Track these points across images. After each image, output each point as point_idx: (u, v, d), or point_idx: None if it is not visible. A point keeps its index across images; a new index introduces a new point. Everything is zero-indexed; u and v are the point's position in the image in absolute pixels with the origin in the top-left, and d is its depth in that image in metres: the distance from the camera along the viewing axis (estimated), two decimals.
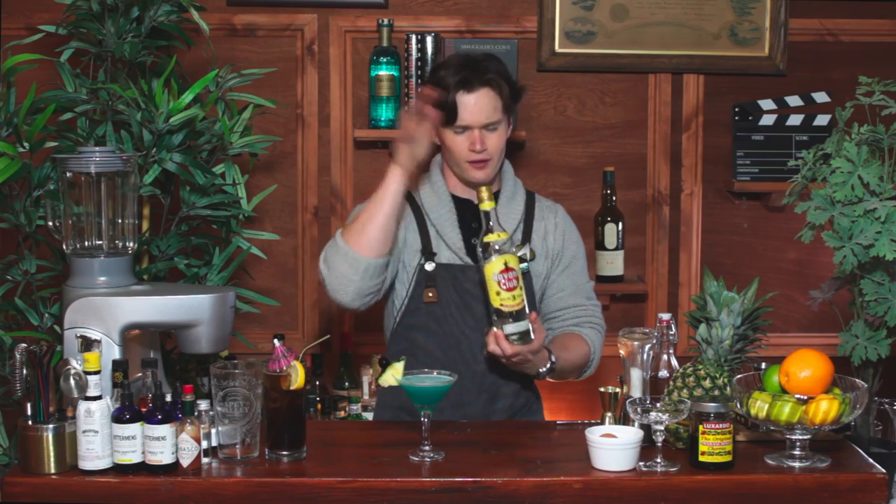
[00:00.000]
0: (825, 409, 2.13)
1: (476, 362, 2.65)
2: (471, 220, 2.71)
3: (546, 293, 2.75)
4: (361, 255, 2.52)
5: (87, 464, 2.11)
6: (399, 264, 2.68)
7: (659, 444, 2.15)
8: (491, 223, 2.45)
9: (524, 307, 2.44)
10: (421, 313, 2.66)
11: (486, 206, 2.45)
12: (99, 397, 2.11)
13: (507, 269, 2.42)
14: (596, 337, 2.72)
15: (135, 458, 2.11)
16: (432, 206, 2.71)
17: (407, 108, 2.49)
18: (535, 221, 2.75)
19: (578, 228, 2.83)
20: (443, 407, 2.59)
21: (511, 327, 2.43)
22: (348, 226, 2.57)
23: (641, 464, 2.14)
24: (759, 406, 2.16)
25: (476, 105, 2.61)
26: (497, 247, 2.43)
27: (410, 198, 2.74)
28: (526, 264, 2.67)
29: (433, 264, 2.66)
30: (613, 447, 2.13)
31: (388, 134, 3.52)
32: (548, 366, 2.55)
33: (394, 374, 2.32)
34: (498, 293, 2.42)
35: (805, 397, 2.14)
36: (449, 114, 2.62)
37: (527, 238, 2.72)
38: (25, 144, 2.69)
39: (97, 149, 2.47)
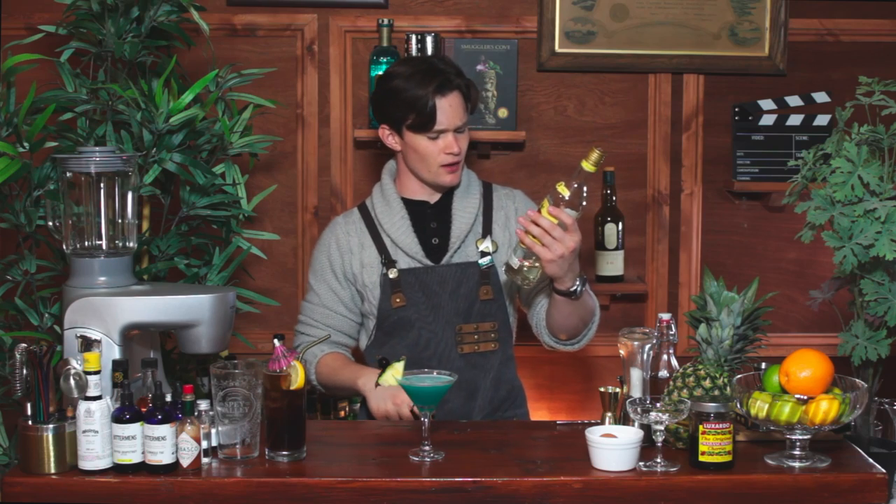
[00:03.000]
0: (825, 409, 2.13)
1: (450, 360, 2.67)
2: (428, 221, 2.74)
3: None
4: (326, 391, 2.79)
5: (87, 464, 2.11)
6: (364, 290, 2.73)
7: (659, 444, 2.15)
8: (573, 178, 2.45)
9: (526, 252, 2.47)
10: (392, 320, 2.69)
11: (589, 167, 2.45)
12: (99, 397, 2.11)
13: (532, 212, 2.45)
14: (592, 299, 2.71)
15: (135, 458, 2.11)
16: (384, 216, 2.74)
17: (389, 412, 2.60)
18: (494, 211, 2.77)
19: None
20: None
21: (512, 258, 2.50)
22: (321, 371, 2.73)
23: (641, 464, 2.14)
24: (759, 406, 2.16)
25: (451, 108, 2.64)
26: (552, 193, 2.45)
27: (364, 209, 2.79)
28: (490, 258, 2.70)
29: (395, 271, 2.69)
30: (613, 447, 2.13)
31: None
32: (578, 280, 2.54)
33: (394, 374, 2.32)
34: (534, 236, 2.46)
35: (805, 397, 2.14)
36: (427, 120, 2.63)
37: (487, 230, 2.74)
38: (25, 144, 2.69)
39: (97, 149, 2.47)
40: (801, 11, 3.67)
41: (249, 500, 2.10)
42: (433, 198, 2.77)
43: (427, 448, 2.22)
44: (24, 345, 2.19)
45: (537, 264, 2.48)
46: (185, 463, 2.12)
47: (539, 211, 2.44)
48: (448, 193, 2.77)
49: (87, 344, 2.24)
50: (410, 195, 2.76)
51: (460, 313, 2.69)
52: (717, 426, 2.12)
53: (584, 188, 2.46)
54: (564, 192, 2.44)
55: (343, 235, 2.76)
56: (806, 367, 2.16)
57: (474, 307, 2.70)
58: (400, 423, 2.52)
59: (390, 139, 2.74)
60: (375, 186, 2.82)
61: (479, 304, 2.70)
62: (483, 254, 2.71)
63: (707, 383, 2.21)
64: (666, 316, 2.34)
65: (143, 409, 2.12)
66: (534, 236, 2.44)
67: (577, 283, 2.55)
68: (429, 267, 2.69)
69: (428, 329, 2.68)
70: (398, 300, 2.68)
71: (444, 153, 2.66)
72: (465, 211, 2.74)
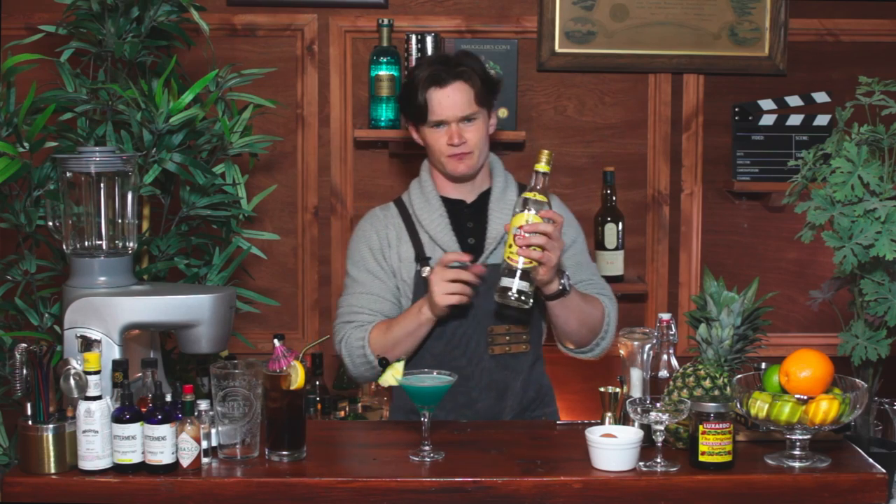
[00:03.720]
0: (825, 409, 2.13)
1: (482, 360, 2.66)
2: (464, 220, 2.73)
3: None
4: None
5: (87, 464, 2.11)
6: (401, 285, 2.71)
7: (659, 444, 2.15)
8: (538, 185, 2.45)
9: (527, 270, 2.44)
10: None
11: (540, 167, 2.46)
12: (99, 397, 2.11)
13: (525, 226, 2.43)
14: (610, 304, 2.71)
15: (135, 458, 2.11)
16: (423, 212, 2.73)
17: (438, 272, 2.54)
18: None
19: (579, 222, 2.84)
20: (451, 406, 2.61)
21: (506, 280, 2.44)
22: (375, 339, 2.62)
23: (641, 464, 2.14)
24: (759, 406, 2.16)
25: (449, 99, 2.63)
26: (530, 205, 2.44)
27: (401, 204, 2.78)
28: None
29: (428, 269, 2.66)
30: (613, 447, 2.13)
31: (387, 134, 3.52)
32: (564, 279, 2.53)
33: (394, 374, 2.32)
34: (510, 246, 2.44)
35: (805, 397, 2.14)
36: (422, 111, 2.65)
37: None
38: (25, 144, 2.69)
39: (97, 149, 2.47)
40: (801, 11, 3.67)
41: (249, 500, 2.10)
42: (469, 197, 2.76)
43: (427, 448, 2.22)
44: (24, 345, 2.19)
45: (532, 279, 2.47)
46: (185, 463, 2.12)
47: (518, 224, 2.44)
48: (485, 194, 2.76)
49: (87, 344, 2.24)
50: (446, 193, 2.75)
51: (493, 314, 2.67)
52: (717, 426, 2.12)
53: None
54: (541, 198, 2.45)
55: (382, 227, 2.75)
56: (806, 367, 2.16)
57: (507, 309, 2.66)
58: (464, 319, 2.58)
59: (414, 135, 2.75)
60: (413, 182, 2.81)
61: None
62: None
63: (707, 383, 2.21)
64: (666, 316, 2.34)
65: (143, 409, 2.12)
66: (538, 246, 2.42)
67: (564, 280, 2.54)
68: (464, 266, 2.64)
69: (460, 329, 2.66)
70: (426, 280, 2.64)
71: (448, 144, 2.66)
72: (501, 212, 2.72)
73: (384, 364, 2.44)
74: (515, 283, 2.43)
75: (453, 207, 2.74)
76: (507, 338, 2.69)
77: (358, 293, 2.71)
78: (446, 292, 2.50)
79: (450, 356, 2.65)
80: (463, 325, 2.65)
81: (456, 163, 2.67)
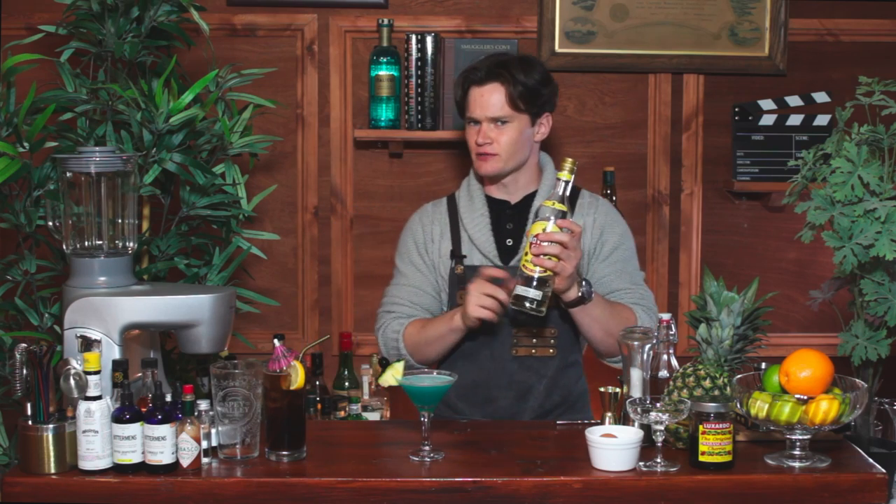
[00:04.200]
0: (825, 409, 2.13)
1: (506, 360, 2.69)
2: (505, 222, 2.75)
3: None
4: (418, 363, 2.71)
5: (87, 464, 2.11)
6: (440, 280, 2.77)
7: (659, 444, 2.15)
8: (559, 192, 2.46)
9: (543, 279, 2.44)
10: None
11: (563, 175, 2.47)
12: (99, 397, 2.11)
13: (541, 234, 2.44)
14: (645, 315, 2.68)
15: (135, 458, 2.11)
16: (466, 211, 2.78)
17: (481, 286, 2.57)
18: (574, 218, 2.73)
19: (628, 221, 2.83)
20: (473, 401, 2.65)
21: (521, 289, 2.45)
22: (409, 335, 2.69)
23: (641, 464, 2.14)
24: (759, 406, 2.16)
25: (483, 98, 2.68)
26: (548, 214, 2.45)
27: (451, 201, 2.83)
28: None
29: (462, 267, 2.72)
30: (613, 447, 2.13)
31: (387, 134, 3.52)
32: (584, 286, 2.53)
33: (394, 374, 2.32)
34: (526, 254, 2.45)
35: (805, 397, 2.14)
36: (461, 107, 2.72)
37: None
38: (25, 144, 2.69)
39: (97, 149, 2.47)
40: (801, 11, 3.67)
41: (249, 500, 2.10)
42: (514, 198, 2.78)
43: (427, 448, 2.22)
44: (24, 345, 2.19)
45: (549, 288, 2.47)
46: (185, 463, 2.12)
47: (537, 233, 2.45)
48: (531, 196, 2.77)
49: (87, 344, 2.24)
50: (492, 193, 2.79)
51: (519, 316, 2.66)
52: (717, 426, 2.12)
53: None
54: (560, 207, 2.45)
55: (428, 222, 2.80)
56: (806, 367, 2.16)
57: (524, 314, 2.64)
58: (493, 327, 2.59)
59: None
60: (464, 180, 2.85)
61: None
62: None
63: (707, 383, 2.21)
64: (666, 316, 2.34)
65: (143, 409, 2.12)
66: (553, 255, 2.43)
67: (583, 287, 2.54)
68: (495, 266, 2.69)
69: (485, 327, 2.66)
70: (462, 297, 2.67)
71: (476, 142, 2.70)
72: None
73: (384, 364, 2.44)
74: (531, 292, 2.44)
75: (497, 207, 2.77)
76: (534, 340, 2.70)
77: (401, 284, 2.78)
78: (479, 304, 2.53)
79: (476, 353, 2.69)
80: (488, 324, 2.65)
81: (480, 162, 2.71)
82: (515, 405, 2.70)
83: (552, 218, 2.44)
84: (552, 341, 2.71)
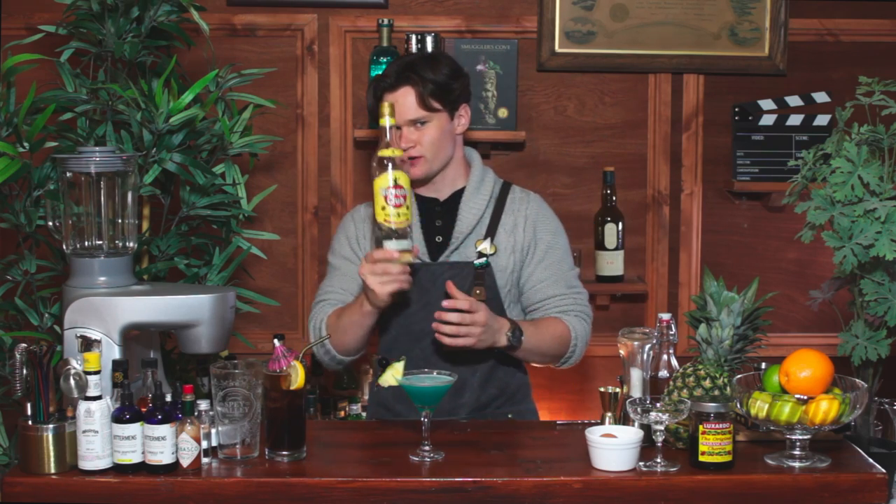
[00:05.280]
0: (825, 409, 2.13)
1: (438, 358, 2.67)
2: (434, 219, 2.75)
3: (525, 286, 2.74)
4: (340, 356, 2.72)
5: (87, 464, 2.11)
6: None
7: (659, 444, 2.15)
8: (388, 139, 2.47)
9: (408, 227, 2.47)
10: (387, 312, 2.68)
11: (383, 121, 2.48)
12: (99, 397, 2.11)
13: (397, 185, 2.43)
14: (578, 324, 2.71)
15: (135, 458, 2.11)
16: None
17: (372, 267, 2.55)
18: (504, 215, 2.75)
19: (561, 219, 2.82)
20: (410, 402, 2.56)
21: (394, 244, 2.45)
22: (331, 321, 2.67)
23: (641, 464, 2.14)
24: (759, 406, 2.16)
25: (397, 103, 2.64)
26: (387, 161, 2.44)
27: None
28: (485, 259, 2.69)
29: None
30: (613, 447, 2.13)
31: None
32: (508, 333, 2.56)
33: (394, 374, 2.32)
34: (383, 208, 2.44)
35: (805, 397, 2.14)
36: (374, 114, 2.67)
37: (491, 232, 2.73)
38: (25, 144, 2.69)
39: (97, 149, 2.47)
40: (801, 11, 3.67)
41: (249, 500, 2.10)
42: (442, 195, 2.77)
43: (427, 448, 2.22)
44: (24, 345, 2.19)
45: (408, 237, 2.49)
46: (185, 463, 2.12)
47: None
48: (460, 192, 2.77)
49: (87, 344, 2.24)
50: (420, 192, 2.77)
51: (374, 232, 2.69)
52: (717, 426, 2.12)
53: (405, 196, 2.46)
54: (398, 152, 2.46)
55: (360, 220, 2.80)
56: (806, 367, 2.16)
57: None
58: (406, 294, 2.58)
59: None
60: None
61: None
62: (480, 254, 2.70)
63: (707, 383, 2.21)
64: (666, 316, 2.34)
65: (143, 409, 2.12)
66: (453, 324, 2.48)
67: (507, 335, 2.58)
68: (424, 264, 2.70)
69: (418, 326, 2.67)
70: (392, 295, 2.64)
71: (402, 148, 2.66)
72: (469, 211, 2.74)
73: (384, 364, 2.44)
74: (395, 244, 2.45)
75: (426, 206, 2.76)
76: None
77: (332, 276, 2.78)
78: (382, 282, 2.49)
79: (411, 348, 2.68)
80: (420, 321, 2.66)
81: (410, 166, 2.66)
82: (450, 401, 2.65)
83: (391, 168, 2.43)
84: None
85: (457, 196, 2.77)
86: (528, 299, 2.75)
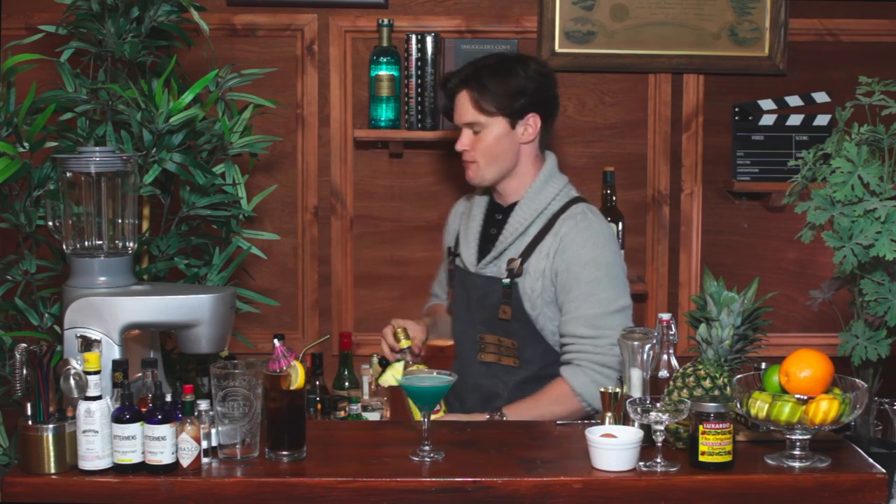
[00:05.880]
0: (825, 409, 2.13)
1: (471, 364, 2.73)
2: (492, 225, 2.76)
3: (560, 315, 2.68)
4: None
5: (87, 464, 2.11)
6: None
7: (659, 444, 2.15)
8: (403, 358, 2.62)
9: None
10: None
11: (402, 344, 2.63)
12: (99, 397, 2.11)
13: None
14: (580, 377, 2.59)
15: (135, 458, 2.11)
16: (470, 209, 2.84)
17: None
18: (549, 235, 2.68)
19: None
20: (447, 399, 2.66)
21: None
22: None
23: (641, 464, 2.14)
24: (759, 406, 2.16)
25: (457, 105, 2.69)
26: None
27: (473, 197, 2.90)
28: (508, 280, 2.66)
29: (453, 265, 2.82)
30: (613, 447, 2.13)
31: (387, 134, 3.52)
32: (491, 415, 2.60)
33: (394, 374, 2.33)
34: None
35: (805, 397, 2.14)
36: (449, 116, 2.77)
37: (530, 250, 2.68)
38: (25, 144, 2.69)
39: (97, 149, 2.47)
40: (801, 11, 3.67)
41: (249, 500, 2.10)
42: (505, 201, 2.78)
43: (427, 448, 2.22)
44: (24, 345, 2.18)
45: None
46: (185, 463, 2.12)
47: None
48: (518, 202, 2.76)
49: (87, 344, 2.24)
50: (496, 196, 2.81)
51: (485, 322, 2.71)
52: (717, 426, 2.12)
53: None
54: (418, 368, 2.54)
55: (455, 215, 2.94)
56: (806, 367, 2.16)
57: (495, 321, 2.71)
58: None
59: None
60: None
61: (498, 320, 2.71)
62: (510, 272, 2.66)
63: (707, 383, 2.21)
64: (666, 316, 2.34)
65: (143, 409, 2.12)
66: None
67: (492, 415, 2.60)
68: (467, 271, 2.76)
69: (460, 327, 2.76)
70: (449, 293, 2.87)
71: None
72: (515, 221, 2.71)
73: (384, 364, 2.44)
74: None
75: (492, 210, 2.80)
76: (500, 348, 2.71)
77: (442, 265, 3.01)
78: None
79: (457, 349, 2.78)
80: (463, 324, 2.69)
81: (466, 170, 2.73)
82: (481, 406, 2.71)
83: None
84: (515, 352, 2.71)
85: (514, 206, 2.76)
86: (559, 329, 2.68)
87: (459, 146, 2.68)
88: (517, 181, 2.73)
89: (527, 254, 2.67)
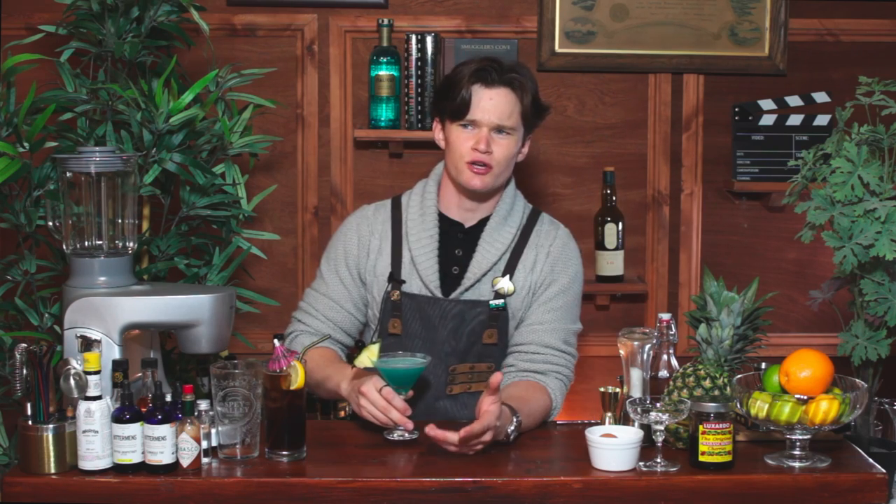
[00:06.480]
0: (825, 409, 2.13)
1: (437, 399, 2.53)
2: (455, 247, 2.55)
3: (523, 321, 2.53)
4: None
5: (87, 464, 2.11)
6: (371, 299, 2.58)
7: (659, 444, 2.15)
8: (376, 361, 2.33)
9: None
10: (388, 342, 2.48)
11: (365, 362, 2.33)
12: (99, 397, 2.11)
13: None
14: (559, 388, 2.50)
15: (135, 458, 2.11)
16: (414, 227, 2.55)
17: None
18: (527, 249, 2.55)
19: (582, 257, 2.61)
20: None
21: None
22: (308, 365, 2.33)
23: (641, 464, 2.14)
24: (759, 406, 2.16)
25: (492, 101, 2.45)
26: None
27: (397, 208, 2.60)
28: (503, 301, 2.50)
29: (398, 293, 2.51)
30: (613, 447, 2.13)
31: (387, 134, 3.52)
32: (513, 425, 2.29)
33: (369, 357, 2.32)
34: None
35: (805, 397, 2.14)
36: (461, 106, 2.46)
37: (511, 268, 2.53)
38: (25, 144, 2.69)
39: (97, 149, 2.47)
40: (801, 11, 3.67)
41: (249, 500, 2.10)
42: (469, 221, 2.56)
43: (400, 428, 2.25)
44: (24, 345, 2.19)
45: None
46: (185, 463, 2.12)
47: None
48: (486, 219, 2.55)
49: (87, 344, 2.24)
50: (447, 211, 2.56)
51: (457, 353, 2.51)
52: (717, 426, 2.12)
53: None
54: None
55: (366, 232, 2.58)
56: (806, 367, 2.16)
57: (474, 348, 2.51)
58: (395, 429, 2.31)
59: (438, 135, 2.56)
60: (418, 185, 2.63)
61: (481, 346, 2.51)
62: (497, 294, 2.50)
63: (707, 383, 2.21)
64: (666, 316, 2.34)
65: (143, 409, 2.12)
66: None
67: (510, 432, 2.28)
68: (435, 298, 2.49)
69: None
70: (395, 326, 2.51)
71: (473, 148, 2.45)
72: (492, 245, 2.52)
73: (361, 346, 2.43)
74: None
75: (449, 229, 2.55)
76: (470, 376, 2.53)
77: (320, 294, 2.59)
78: (372, 417, 2.29)
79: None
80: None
81: (472, 175, 2.46)
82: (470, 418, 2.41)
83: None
84: (487, 375, 2.43)
85: (480, 225, 2.55)
86: (520, 336, 2.51)
87: (483, 146, 2.43)
88: (497, 197, 2.57)
89: (509, 271, 2.52)
